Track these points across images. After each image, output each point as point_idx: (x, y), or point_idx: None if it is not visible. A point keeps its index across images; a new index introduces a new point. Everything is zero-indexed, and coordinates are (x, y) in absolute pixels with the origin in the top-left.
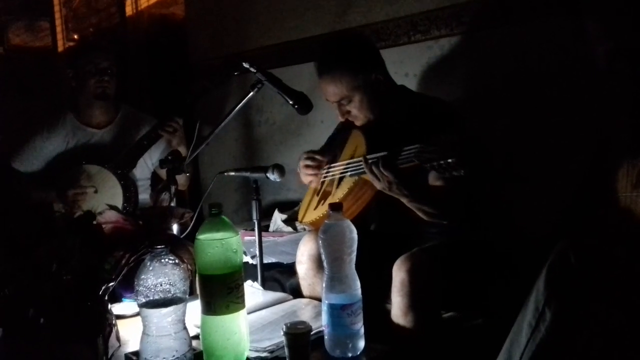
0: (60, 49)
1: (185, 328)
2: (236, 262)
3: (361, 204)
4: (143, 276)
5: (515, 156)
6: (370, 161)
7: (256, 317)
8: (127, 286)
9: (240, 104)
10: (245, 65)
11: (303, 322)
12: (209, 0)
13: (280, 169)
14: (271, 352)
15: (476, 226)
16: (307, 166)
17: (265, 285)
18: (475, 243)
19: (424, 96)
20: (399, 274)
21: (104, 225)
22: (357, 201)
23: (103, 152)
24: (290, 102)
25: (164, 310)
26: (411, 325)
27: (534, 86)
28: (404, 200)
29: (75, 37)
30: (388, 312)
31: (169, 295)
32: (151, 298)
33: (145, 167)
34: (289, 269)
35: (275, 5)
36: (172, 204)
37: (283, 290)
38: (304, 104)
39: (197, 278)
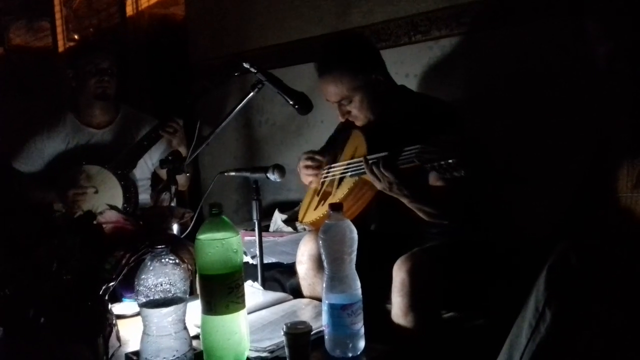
0: (60, 49)
1: (185, 328)
2: (236, 262)
3: (361, 204)
4: (143, 276)
5: (516, 156)
6: (370, 161)
7: (256, 317)
8: (127, 286)
9: (241, 104)
10: (246, 65)
11: (303, 322)
12: (209, 0)
13: (280, 169)
14: (271, 352)
15: (477, 226)
16: (307, 166)
17: (266, 285)
18: (476, 243)
19: (424, 96)
20: (399, 274)
21: (104, 225)
22: (358, 201)
23: (103, 153)
24: (291, 103)
25: (164, 310)
26: (411, 325)
27: (534, 87)
28: (405, 201)
29: (76, 37)
30: (388, 312)
31: (169, 295)
32: (151, 298)
33: (145, 167)
34: (289, 269)
35: (275, 5)
36: (173, 204)
37: (283, 290)
38: (304, 104)
39: (197, 278)
